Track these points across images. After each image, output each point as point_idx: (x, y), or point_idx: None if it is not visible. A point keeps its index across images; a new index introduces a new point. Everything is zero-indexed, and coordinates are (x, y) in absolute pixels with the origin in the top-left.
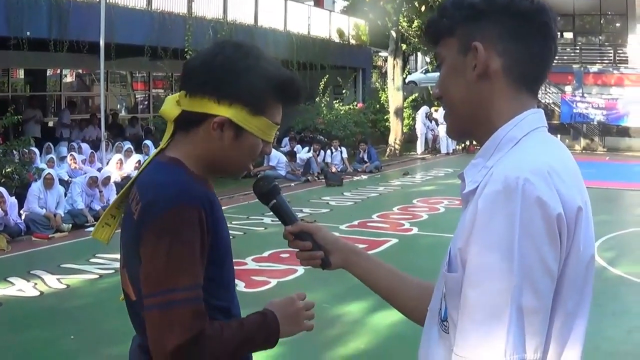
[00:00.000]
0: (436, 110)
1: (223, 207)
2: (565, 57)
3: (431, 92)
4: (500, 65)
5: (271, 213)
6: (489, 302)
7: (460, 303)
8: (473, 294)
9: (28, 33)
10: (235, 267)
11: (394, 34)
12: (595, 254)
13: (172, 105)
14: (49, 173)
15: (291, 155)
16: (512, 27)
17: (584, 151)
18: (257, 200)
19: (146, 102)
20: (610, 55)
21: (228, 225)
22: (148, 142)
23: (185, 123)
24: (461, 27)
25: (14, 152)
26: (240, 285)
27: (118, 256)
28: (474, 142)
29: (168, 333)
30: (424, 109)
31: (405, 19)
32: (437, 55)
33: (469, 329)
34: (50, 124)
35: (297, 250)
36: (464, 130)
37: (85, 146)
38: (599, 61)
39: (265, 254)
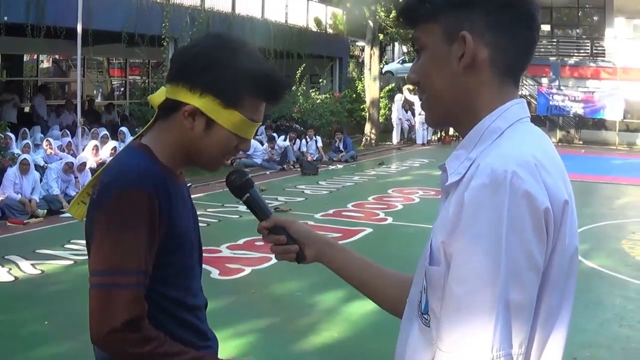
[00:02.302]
0: (412, 92)
1: (198, 195)
2: (542, 50)
3: (406, 77)
4: (486, 56)
5: None
6: (475, 296)
7: (443, 297)
8: (459, 289)
9: (5, 18)
10: (209, 255)
11: (371, 23)
12: None
13: (160, 93)
14: (24, 158)
15: (271, 140)
16: (499, 17)
17: (560, 143)
18: (225, 190)
19: (122, 89)
20: (588, 48)
21: (202, 212)
22: (124, 128)
23: (165, 110)
24: (446, 14)
25: None
26: (214, 273)
27: None
28: (450, 133)
29: (105, 314)
30: (399, 98)
31: (382, 8)
32: (415, 39)
33: (455, 324)
34: (27, 109)
35: (271, 245)
36: (444, 120)
37: (56, 133)
38: (576, 54)
39: (240, 241)
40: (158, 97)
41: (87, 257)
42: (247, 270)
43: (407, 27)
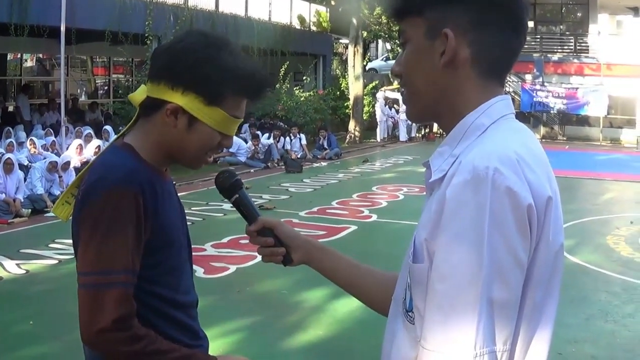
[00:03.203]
0: (395, 90)
1: (182, 193)
2: (525, 46)
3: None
4: (468, 55)
5: None
6: (458, 294)
7: (427, 294)
8: (441, 286)
9: None
10: (194, 254)
11: (355, 21)
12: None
13: (141, 91)
14: (8, 158)
15: (255, 137)
16: (484, 16)
17: (543, 140)
18: (210, 188)
19: (106, 87)
20: (571, 44)
21: (187, 211)
22: (108, 127)
23: (147, 108)
24: (431, 9)
25: None
26: (199, 272)
27: None
28: (434, 130)
29: (94, 314)
30: (381, 96)
31: (366, 6)
32: (401, 32)
33: (438, 322)
34: (11, 108)
35: (258, 247)
36: (425, 115)
37: (40, 132)
38: (559, 50)
39: (225, 240)
40: (139, 95)
41: (72, 257)
42: (232, 268)
43: (394, 20)
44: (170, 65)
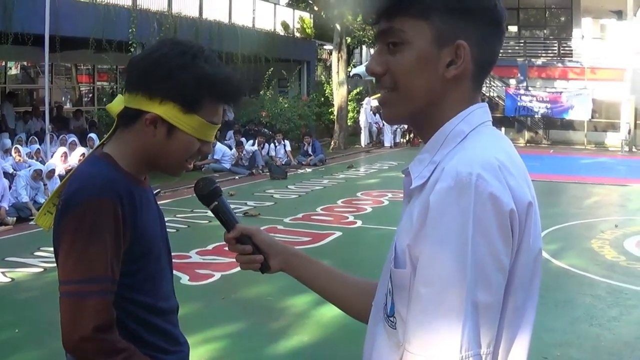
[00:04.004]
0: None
1: (166, 200)
2: (509, 51)
3: (366, 67)
4: (471, 68)
5: None
6: (443, 298)
7: (410, 298)
8: (426, 290)
9: None
10: (179, 261)
11: (338, 27)
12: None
13: (119, 101)
14: None
15: (239, 144)
16: (488, 32)
17: (528, 144)
18: (193, 195)
19: (91, 95)
20: (555, 48)
21: (171, 218)
22: (92, 135)
23: (125, 119)
24: (441, 16)
25: None
26: (184, 279)
27: None
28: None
29: (75, 322)
30: (367, 101)
31: (350, 12)
32: (394, 30)
33: (423, 325)
34: None
35: (237, 254)
36: (405, 119)
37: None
38: (543, 54)
39: (210, 247)
40: (116, 106)
41: (56, 265)
42: (217, 275)
43: (383, 16)
44: (147, 76)
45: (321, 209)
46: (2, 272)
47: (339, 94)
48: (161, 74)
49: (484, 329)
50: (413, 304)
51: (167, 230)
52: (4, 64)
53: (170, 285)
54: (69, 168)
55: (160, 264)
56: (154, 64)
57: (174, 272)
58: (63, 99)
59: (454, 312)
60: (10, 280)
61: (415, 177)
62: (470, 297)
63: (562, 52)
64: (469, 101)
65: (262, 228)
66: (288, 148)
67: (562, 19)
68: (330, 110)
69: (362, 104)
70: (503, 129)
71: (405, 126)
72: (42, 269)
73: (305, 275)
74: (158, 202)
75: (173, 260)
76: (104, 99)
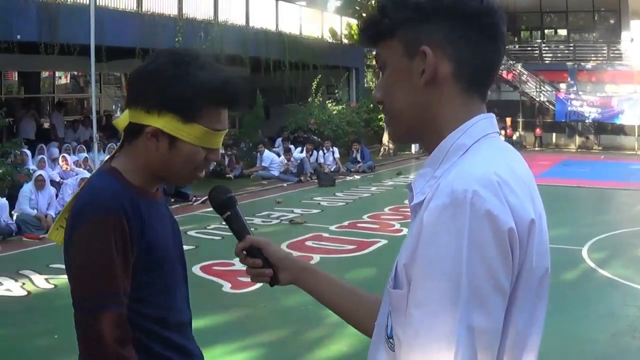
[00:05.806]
0: None
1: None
2: (559, 55)
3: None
4: (450, 70)
5: (264, 213)
6: (434, 321)
7: (405, 320)
8: (418, 313)
9: (19, 37)
10: (221, 268)
11: None
12: (585, 256)
13: (124, 117)
14: (40, 174)
15: (287, 152)
16: (460, 29)
17: (579, 150)
18: (242, 202)
19: None
20: (604, 52)
21: (216, 225)
22: None
23: (130, 134)
24: (404, 29)
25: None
26: (226, 286)
27: None
28: None
29: (93, 339)
30: None
31: None
32: (377, 57)
33: (414, 349)
34: (46, 125)
35: (247, 267)
36: (407, 137)
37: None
38: (593, 58)
39: None
40: (122, 121)
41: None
42: (258, 283)
43: (370, 47)
44: (143, 89)
45: (368, 217)
46: (46, 279)
47: None
48: (156, 87)
49: (481, 355)
50: (407, 326)
51: (209, 238)
52: (53, 73)
53: (185, 298)
54: None
55: (174, 277)
56: (149, 77)
57: (216, 279)
58: (113, 107)
59: (445, 335)
60: (53, 286)
61: (416, 192)
62: (465, 320)
63: (611, 55)
64: (468, 110)
65: (307, 236)
66: (337, 155)
67: (611, 21)
68: (379, 117)
69: None
70: (554, 134)
71: None
72: None
73: (314, 291)
74: (200, 209)
75: (216, 267)
76: None
